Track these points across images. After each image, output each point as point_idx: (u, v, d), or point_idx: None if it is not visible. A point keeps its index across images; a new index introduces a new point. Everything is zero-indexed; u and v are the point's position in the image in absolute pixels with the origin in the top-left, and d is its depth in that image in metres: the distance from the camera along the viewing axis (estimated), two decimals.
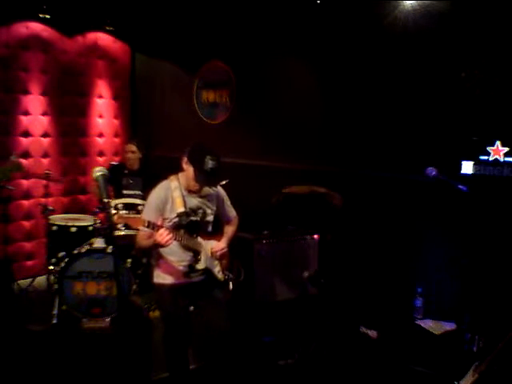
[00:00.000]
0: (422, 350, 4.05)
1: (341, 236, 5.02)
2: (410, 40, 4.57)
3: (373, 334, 4.47)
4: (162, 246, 3.16)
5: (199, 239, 3.47)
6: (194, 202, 3.44)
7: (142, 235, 3.30)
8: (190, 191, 3.42)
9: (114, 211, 2.92)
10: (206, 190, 3.51)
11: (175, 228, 3.30)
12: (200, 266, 3.45)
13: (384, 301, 4.66)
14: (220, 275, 3.59)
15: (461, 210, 4.24)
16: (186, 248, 3.41)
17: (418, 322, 4.45)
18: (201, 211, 3.46)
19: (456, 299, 4.31)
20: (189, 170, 3.33)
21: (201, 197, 3.48)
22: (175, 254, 3.42)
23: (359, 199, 4.96)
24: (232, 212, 3.76)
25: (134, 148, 5.30)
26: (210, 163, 3.22)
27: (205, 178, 3.28)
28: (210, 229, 3.58)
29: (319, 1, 5.03)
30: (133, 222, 3.20)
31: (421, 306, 4.52)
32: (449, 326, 4.29)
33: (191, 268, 3.43)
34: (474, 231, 4.22)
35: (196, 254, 3.45)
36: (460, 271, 4.32)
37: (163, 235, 3.11)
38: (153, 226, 3.14)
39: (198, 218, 3.45)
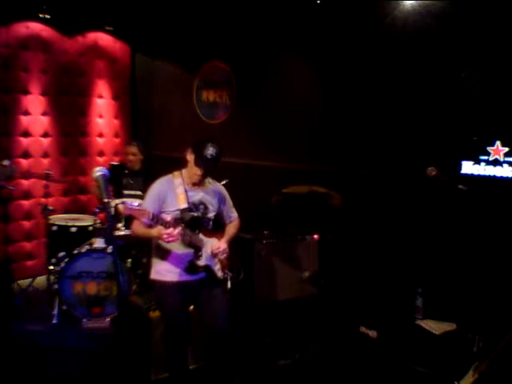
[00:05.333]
0: (422, 350, 4.05)
1: (341, 236, 5.02)
2: (410, 40, 4.58)
3: (373, 334, 4.47)
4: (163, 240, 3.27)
5: (201, 236, 3.49)
6: (196, 197, 3.49)
7: (138, 223, 3.36)
8: (193, 185, 3.46)
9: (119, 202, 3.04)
10: (208, 186, 3.55)
11: (176, 223, 3.33)
12: (201, 263, 3.47)
13: (384, 301, 4.66)
14: (219, 274, 3.60)
15: (461, 210, 4.24)
16: (188, 244, 3.42)
17: (418, 321, 4.45)
18: (202, 207, 3.51)
19: (456, 299, 4.31)
20: (191, 159, 3.40)
21: (203, 192, 3.51)
22: (177, 250, 3.43)
23: (359, 199, 4.96)
24: (234, 213, 3.78)
25: (134, 150, 5.25)
26: (210, 149, 3.33)
27: (204, 163, 3.34)
28: (210, 226, 3.60)
29: (319, 1, 5.03)
30: (137, 214, 3.23)
31: (421, 306, 4.52)
32: (449, 326, 4.28)
33: (192, 265, 3.44)
34: (474, 231, 4.23)
35: (197, 251, 3.46)
36: (460, 271, 4.33)
37: (172, 235, 3.19)
38: (156, 220, 3.21)
39: (200, 214, 3.49)
